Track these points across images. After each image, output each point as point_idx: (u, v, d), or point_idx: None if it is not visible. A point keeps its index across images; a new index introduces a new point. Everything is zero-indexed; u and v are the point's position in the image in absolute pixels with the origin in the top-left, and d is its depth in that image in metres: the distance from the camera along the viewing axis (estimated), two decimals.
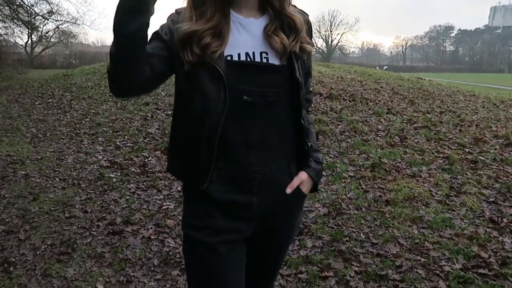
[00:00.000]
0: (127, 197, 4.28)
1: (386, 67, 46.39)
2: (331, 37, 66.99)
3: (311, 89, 1.54)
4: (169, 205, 4.06)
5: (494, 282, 2.72)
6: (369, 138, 6.19)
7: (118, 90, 1.27)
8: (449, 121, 7.49)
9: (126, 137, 6.52)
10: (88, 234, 3.51)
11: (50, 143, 6.55)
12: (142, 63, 1.19)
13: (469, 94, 11.40)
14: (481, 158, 5.33)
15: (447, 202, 4.06)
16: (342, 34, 67.49)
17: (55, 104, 9.35)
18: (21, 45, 31.08)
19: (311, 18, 1.44)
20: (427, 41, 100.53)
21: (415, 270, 2.92)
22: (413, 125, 7.01)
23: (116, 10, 1.11)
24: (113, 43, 1.15)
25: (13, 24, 22.40)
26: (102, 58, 28.91)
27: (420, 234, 3.43)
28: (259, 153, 1.30)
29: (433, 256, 3.09)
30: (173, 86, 1.37)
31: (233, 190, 1.30)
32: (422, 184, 4.50)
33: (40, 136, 7.01)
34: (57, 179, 4.85)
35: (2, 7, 19.95)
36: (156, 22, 1.29)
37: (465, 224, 3.59)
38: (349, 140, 6.08)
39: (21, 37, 36.07)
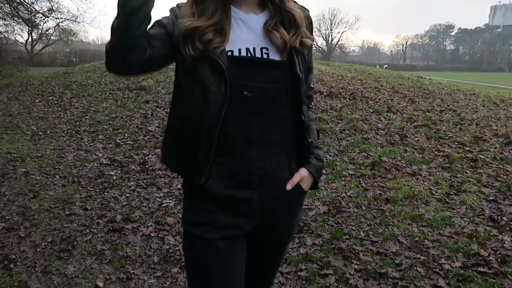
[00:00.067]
0: (127, 195, 4.28)
1: (386, 65, 46.41)
2: (331, 35, 66.90)
3: (312, 85, 1.55)
4: (169, 202, 4.06)
5: (493, 280, 2.72)
6: (369, 137, 6.19)
7: (117, 66, 1.24)
8: (449, 119, 7.50)
9: (126, 135, 6.52)
10: (88, 231, 3.52)
11: (50, 140, 6.55)
12: (143, 40, 1.19)
13: (469, 93, 11.40)
14: (481, 156, 5.33)
15: (447, 200, 4.07)
16: (342, 33, 67.40)
17: (55, 102, 9.35)
18: (21, 43, 31.06)
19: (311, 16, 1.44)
20: (427, 40, 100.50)
21: (415, 268, 2.92)
22: (413, 124, 7.02)
23: None
24: (116, 17, 1.16)
25: (14, 22, 22.37)
26: (102, 56, 28.43)
27: (420, 232, 3.43)
28: (259, 148, 1.30)
29: (432, 254, 3.09)
30: (173, 84, 1.37)
31: (233, 186, 1.30)
32: (422, 182, 4.50)
33: (40, 133, 7.01)
34: (57, 177, 4.85)
35: (2, 5, 19.93)
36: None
37: (465, 223, 3.60)
38: (349, 139, 6.08)
39: (21, 35, 36.06)
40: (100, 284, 2.76)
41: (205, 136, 1.26)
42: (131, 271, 2.93)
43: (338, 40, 67.62)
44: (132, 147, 5.92)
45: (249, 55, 1.27)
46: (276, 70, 1.29)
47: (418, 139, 6.16)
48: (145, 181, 4.65)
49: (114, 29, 1.17)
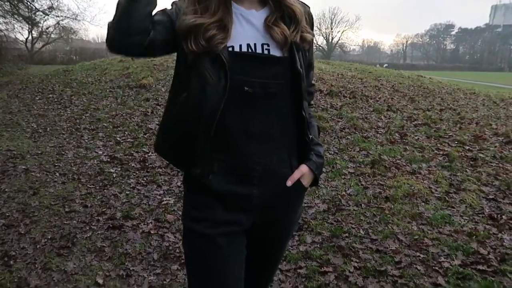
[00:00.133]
0: (127, 192, 4.28)
1: (386, 65, 46.36)
2: (332, 34, 66.89)
3: (313, 82, 1.55)
4: (169, 200, 4.07)
5: (493, 279, 2.73)
6: (369, 135, 6.19)
7: (118, 44, 1.22)
8: (449, 118, 7.50)
9: (126, 132, 6.52)
10: (88, 228, 3.52)
11: (50, 138, 6.55)
12: (147, 22, 1.20)
13: (469, 92, 11.40)
14: (481, 155, 5.33)
15: (447, 199, 4.07)
16: (342, 32, 67.41)
17: (55, 100, 9.35)
18: (21, 41, 31.07)
19: None
20: (428, 39, 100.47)
21: (414, 266, 2.93)
22: (413, 123, 7.02)
23: None
24: None
25: (14, 20, 22.35)
26: (103, 54, 28.81)
27: (420, 231, 3.44)
28: (260, 144, 1.31)
29: (432, 252, 3.09)
30: (173, 74, 1.37)
31: (233, 181, 1.31)
32: (422, 181, 4.50)
33: (40, 131, 7.01)
34: (57, 174, 4.86)
35: (2, 3, 19.90)
36: None
37: (464, 221, 3.60)
38: (349, 137, 6.08)
39: (21, 33, 36.02)
40: (100, 281, 2.77)
41: (202, 127, 1.26)
42: (131, 268, 2.93)
43: (339, 39, 67.68)
44: (132, 144, 5.92)
45: (249, 50, 1.27)
46: (277, 66, 1.30)
47: (418, 138, 6.16)
48: (145, 179, 4.65)
49: (120, 7, 1.17)
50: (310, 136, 1.41)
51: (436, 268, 2.90)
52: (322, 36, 66.16)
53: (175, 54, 1.35)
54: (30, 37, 32.30)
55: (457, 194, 4.17)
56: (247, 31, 1.29)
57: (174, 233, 3.42)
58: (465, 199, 4.02)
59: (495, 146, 5.77)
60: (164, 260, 3.05)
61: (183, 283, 2.75)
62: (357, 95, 8.38)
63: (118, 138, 6.24)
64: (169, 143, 1.39)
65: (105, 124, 7.06)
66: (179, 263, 3.00)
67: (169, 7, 1.31)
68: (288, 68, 1.31)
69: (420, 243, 3.24)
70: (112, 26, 1.19)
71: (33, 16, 25.02)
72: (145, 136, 6.30)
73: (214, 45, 1.22)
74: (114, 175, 4.77)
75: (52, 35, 34.87)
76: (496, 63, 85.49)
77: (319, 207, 3.89)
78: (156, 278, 2.83)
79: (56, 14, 26.79)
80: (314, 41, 1.46)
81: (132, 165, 5.10)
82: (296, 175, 1.38)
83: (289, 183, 1.37)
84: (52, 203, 4.01)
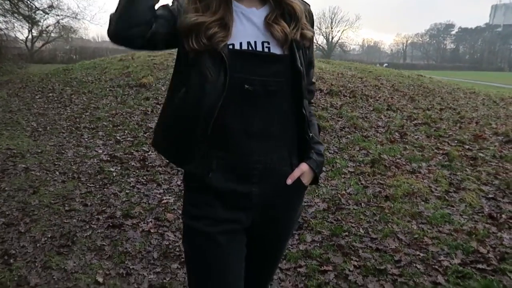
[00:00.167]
0: (127, 191, 4.29)
1: (386, 64, 46.32)
2: (332, 34, 66.84)
3: (313, 80, 1.55)
4: (169, 199, 4.07)
5: (492, 277, 2.73)
6: (369, 134, 6.19)
7: (120, 35, 1.22)
8: (449, 118, 7.50)
9: (126, 131, 6.52)
10: (88, 227, 3.52)
11: (50, 137, 6.55)
12: (149, 15, 1.21)
13: (469, 91, 11.39)
14: (481, 155, 5.33)
15: (446, 198, 4.07)
16: (342, 31, 67.35)
17: (55, 98, 9.34)
18: (21, 40, 31.00)
19: None
20: (428, 39, 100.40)
21: (414, 264, 2.93)
22: (413, 122, 7.02)
23: None
24: None
25: (14, 19, 22.33)
26: (103, 53, 28.85)
27: (419, 230, 3.44)
28: (260, 142, 1.31)
29: (432, 251, 3.10)
30: (173, 69, 1.37)
31: (233, 179, 1.31)
32: (422, 180, 4.50)
33: (40, 130, 7.01)
34: (57, 173, 4.86)
35: (2, 1, 19.87)
36: None
37: (464, 220, 3.60)
38: (349, 136, 6.08)
39: (21, 32, 36.06)
40: (100, 280, 2.77)
41: (200, 124, 1.27)
42: (131, 267, 2.93)
43: (339, 39, 67.61)
44: (132, 143, 5.92)
45: (250, 48, 1.27)
46: (277, 64, 1.30)
47: (418, 137, 6.16)
48: (145, 178, 4.65)
49: None
50: (311, 134, 1.41)
51: (436, 267, 2.90)
52: (322, 35, 66.14)
53: (175, 52, 1.35)
54: (30, 36, 32.28)
55: (457, 193, 4.17)
56: (247, 29, 1.29)
57: (174, 232, 3.43)
58: (465, 198, 4.02)
59: (495, 146, 5.77)
60: (164, 258, 3.05)
61: (183, 282, 2.75)
62: (357, 94, 8.38)
63: (118, 137, 6.24)
64: (167, 139, 1.39)
65: (105, 123, 7.06)
66: (179, 261, 3.00)
67: (170, 4, 1.31)
68: (288, 66, 1.31)
69: (420, 242, 3.24)
70: (114, 17, 1.20)
71: (33, 15, 25.01)
72: (145, 135, 6.30)
73: (215, 43, 1.22)
74: (114, 174, 4.78)
75: (52, 34, 34.81)
76: (496, 63, 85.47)
77: (319, 206, 3.90)
78: (156, 277, 2.83)
79: (56, 13, 26.82)
80: (314, 41, 1.47)
81: (132, 164, 5.10)
82: (296, 173, 1.38)
83: (289, 181, 1.37)
84: (52, 201, 4.01)
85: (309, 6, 1.43)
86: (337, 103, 7.68)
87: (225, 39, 1.24)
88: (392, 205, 3.89)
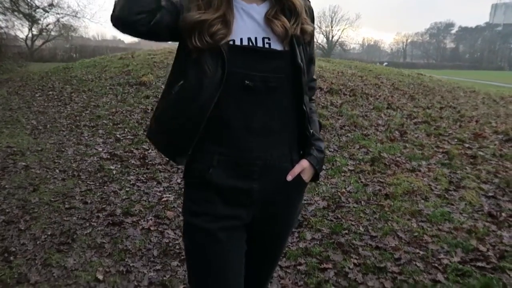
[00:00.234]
0: (127, 189, 4.29)
1: (386, 63, 46.21)
2: (332, 33, 66.84)
3: (314, 77, 1.55)
4: (169, 197, 4.07)
5: (492, 275, 2.73)
6: (369, 133, 6.19)
7: (125, 19, 1.22)
8: (449, 116, 7.50)
9: (126, 129, 6.52)
10: (88, 224, 3.52)
11: (50, 135, 6.55)
12: (153, 3, 1.21)
13: (469, 90, 11.40)
14: (481, 153, 5.34)
15: (446, 196, 4.07)
16: (343, 30, 67.41)
17: (55, 97, 9.34)
18: (21, 38, 31.00)
19: None
20: (428, 38, 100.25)
21: (414, 262, 2.93)
22: (413, 120, 7.02)
23: None
24: None
25: (14, 17, 22.36)
26: (103, 51, 28.82)
27: (419, 228, 3.44)
28: (260, 138, 1.31)
29: (431, 249, 3.10)
30: (173, 62, 1.37)
31: (233, 176, 1.31)
32: (422, 178, 4.51)
33: (40, 128, 7.01)
34: (57, 171, 4.86)
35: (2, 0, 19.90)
36: None
37: (464, 218, 3.61)
38: (349, 135, 6.08)
39: (21, 30, 36.05)
40: (100, 277, 2.77)
41: (194, 117, 1.27)
42: (131, 264, 2.94)
43: (339, 38, 67.62)
44: (132, 141, 5.92)
45: (250, 44, 1.28)
46: (278, 60, 1.30)
47: (418, 136, 6.16)
48: (145, 176, 4.65)
49: None
50: (311, 131, 1.41)
51: (436, 265, 2.90)
52: (322, 34, 66.17)
53: (175, 51, 1.36)
54: (30, 35, 32.25)
55: (457, 192, 4.17)
56: (248, 25, 1.30)
57: (174, 230, 3.43)
58: (465, 197, 4.02)
59: (495, 144, 5.78)
60: (164, 256, 3.05)
61: (183, 279, 2.76)
62: (357, 93, 8.38)
63: (118, 135, 6.24)
64: (160, 130, 1.39)
65: (105, 121, 7.06)
66: (179, 259, 3.00)
67: None
68: (288, 62, 1.31)
69: (420, 240, 3.24)
70: (119, 3, 1.20)
71: (33, 13, 25.06)
72: (145, 133, 6.28)
73: (216, 40, 1.22)
74: (114, 172, 4.78)
75: (52, 33, 34.78)
76: (496, 62, 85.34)
77: (319, 204, 3.90)
78: (156, 274, 2.83)
79: (56, 11, 26.89)
80: (315, 39, 1.46)
81: (132, 162, 5.10)
82: (296, 169, 1.38)
83: (289, 177, 1.37)
84: (52, 199, 4.02)
85: (309, 1, 1.43)
86: (337, 102, 7.68)
87: (226, 36, 1.24)
88: (392, 203, 3.89)
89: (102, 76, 10.42)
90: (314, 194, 4.11)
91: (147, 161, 5.11)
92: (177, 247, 3.16)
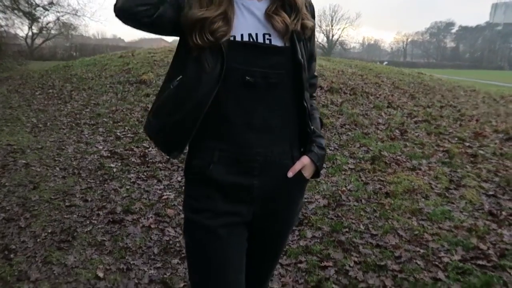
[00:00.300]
0: (127, 187, 4.29)
1: (386, 62, 46.20)
2: (332, 32, 66.77)
3: (315, 73, 1.55)
4: (169, 195, 4.07)
5: (492, 273, 2.73)
6: (370, 131, 6.19)
7: (128, 10, 1.23)
8: (449, 115, 7.49)
9: (126, 127, 6.52)
10: (88, 222, 3.52)
11: (50, 133, 6.55)
12: None
13: (470, 89, 11.40)
14: (481, 152, 5.33)
15: (447, 195, 4.07)
16: (343, 29, 67.32)
17: (56, 95, 9.34)
18: (21, 37, 30.96)
19: None
20: (428, 37, 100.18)
21: (414, 261, 2.93)
22: (413, 119, 7.02)
23: None
24: None
25: (14, 15, 22.34)
26: (103, 50, 28.82)
27: (420, 226, 3.44)
28: (261, 134, 1.31)
29: (432, 247, 3.10)
30: (173, 56, 1.37)
31: (234, 172, 1.31)
32: (422, 177, 4.50)
33: (40, 126, 7.01)
34: (57, 169, 4.86)
35: None
36: None
37: (464, 217, 3.60)
38: (349, 133, 6.08)
39: (21, 29, 36.03)
40: (100, 275, 2.77)
41: (192, 112, 1.27)
42: (131, 262, 2.94)
43: (339, 37, 67.53)
44: (133, 140, 5.92)
45: (251, 40, 1.27)
46: (278, 56, 1.30)
47: (418, 134, 6.16)
48: (145, 174, 4.65)
49: None
50: (312, 127, 1.41)
51: (436, 263, 2.90)
52: (323, 33, 66.05)
53: (175, 49, 1.36)
54: (30, 33, 32.21)
55: (457, 190, 4.17)
56: (248, 21, 1.29)
57: (174, 228, 3.43)
58: (465, 195, 4.02)
59: (495, 143, 5.78)
60: (165, 254, 3.06)
61: (184, 277, 2.76)
62: (357, 91, 8.37)
63: (118, 133, 6.24)
64: (158, 123, 1.38)
65: (105, 119, 7.06)
66: (179, 257, 3.00)
67: None
68: (289, 58, 1.31)
69: (420, 238, 3.24)
70: None
71: (33, 11, 25.03)
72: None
73: (217, 37, 1.22)
74: (115, 170, 4.78)
75: (52, 31, 34.71)
76: (496, 62, 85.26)
77: (319, 202, 3.90)
78: (157, 272, 2.83)
79: (56, 10, 26.85)
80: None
81: (132, 160, 5.10)
82: (297, 166, 1.38)
83: (290, 174, 1.37)
84: (52, 197, 4.02)
85: None
86: (337, 100, 7.68)
87: (227, 33, 1.24)
88: (392, 201, 3.89)
89: (102, 74, 10.42)
90: (315, 193, 4.11)
91: (147, 159, 5.11)
92: (178, 245, 3.16)
